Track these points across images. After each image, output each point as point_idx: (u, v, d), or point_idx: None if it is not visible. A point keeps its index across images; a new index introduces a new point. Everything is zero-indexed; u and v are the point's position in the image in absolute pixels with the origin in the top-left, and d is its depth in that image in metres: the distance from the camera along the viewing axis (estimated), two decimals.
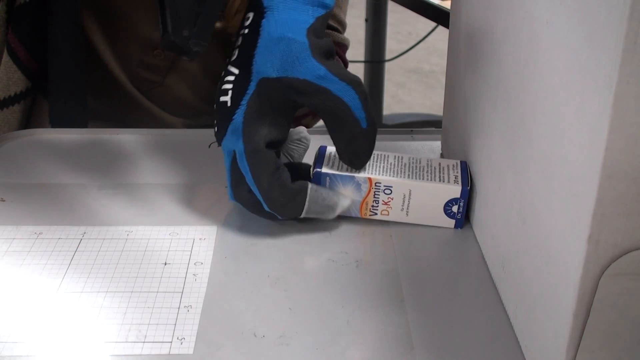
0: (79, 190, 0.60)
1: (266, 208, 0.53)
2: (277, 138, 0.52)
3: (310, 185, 0.53)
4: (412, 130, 0.71)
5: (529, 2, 0.40)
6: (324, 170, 0.54)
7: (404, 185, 0.54)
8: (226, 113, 0.51)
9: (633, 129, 0.30)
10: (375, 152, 0.56)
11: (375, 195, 0.54)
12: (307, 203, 0.52)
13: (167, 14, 0.50)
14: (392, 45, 2.30)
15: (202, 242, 0.54)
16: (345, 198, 0.54)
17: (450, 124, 0.63)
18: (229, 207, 0.58)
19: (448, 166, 0.56)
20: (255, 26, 0.50)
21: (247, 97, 0.50)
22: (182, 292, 0.48)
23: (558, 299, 0.37)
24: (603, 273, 0.33)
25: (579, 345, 0.35)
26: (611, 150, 0.30)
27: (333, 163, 0.55)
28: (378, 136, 0.70)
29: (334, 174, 0.54)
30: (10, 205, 0.58)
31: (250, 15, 0.51)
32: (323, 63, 0.49)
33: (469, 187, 0.54)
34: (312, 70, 0.49)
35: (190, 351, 0.43)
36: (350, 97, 0.50)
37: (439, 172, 0.55)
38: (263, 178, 0.51)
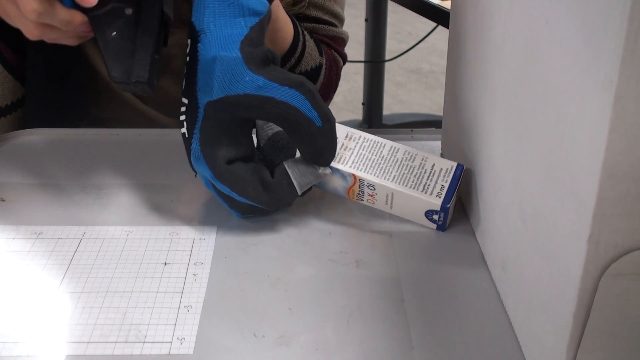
0: (79, 190, 0.60)
1: (268, 209, 0.53)
2: (238, 155, 0.52)
3: (286, 165, 0.53)
4: (412, 130, 0.71)
5: (529, 2, 0.40)
6: None
7: (386, 188, 0.54)
8: (187, 144, 0.52)
9: (633, 129, 0.30)
10: (374, 138, 0.56)
11: (360, 187, 0.55)
12: (294, 182, 0.53)
13: (103, 58, 0.51)
14: (392, 45, 2.30)
15: (202, 242, 0.54)
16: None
17: (450, 124, 0.63)
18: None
19: (441, 170, 0.54)
20: (193, 52, 0.50)
21: (198, 125, 0.50)
22: (182, 292, 0.48)
23: (558, 299, 0.37)
24: (603, 273, 0.33)
25: (579, 345, 0.35)
26: (611, 151, 0.30)
27: None
28: (378, 136, 0.70)
29: None
30: (10, 205, 0.58)
31: (189, 42, 0.51)
32: (260, 72, 0.49)
33: (449, 205, 0.53)
34: (251, 82, 0.49)
35: (190, 351, 0.43)
36: (296, 100, 0.49)
37: (428, 177, 0.54)
38: (246, 190, 0.52)
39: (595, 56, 0.31)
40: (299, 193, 0.53)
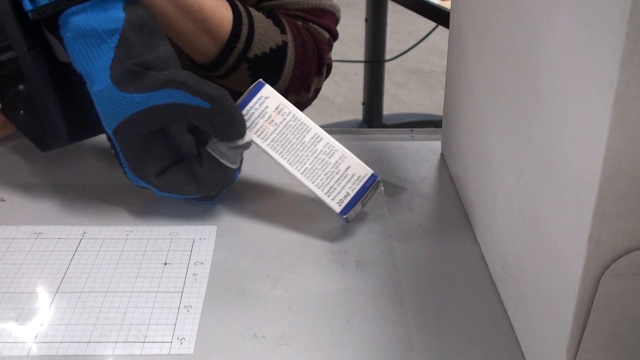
0: (79, 190, 0.60)
1: (220, 193, 0.56)
2: (166, 164, 0.54)
3: (209, 149, 0.53)
4: (412, 130, 0.71)
5: (529, 2, 0.40)
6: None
7: (295, 177, 0.54)
8: (125, 174, 0.55)
9: (633, 129, 0.30)
10: (303, 118, 0.55)
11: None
12: (223, 161, 0.53)
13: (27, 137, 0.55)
14: (392, 45, 2.30)
15: (202, 242, 0.54)
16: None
17: (450, 124, 0.63)
18: (229, 207, 0.58)
19: (353, 176, 0.54)
20: (88, 93, 0.52)
21: (120, 155, 0.53)
22: (182, 292, 0.48)
23: (558, 299, 0.37)
24: (603, 273, 0.33)
25: (579, 345, 0.35)
26: (611, 151, 0.30)
27: (252, 113, 0.55)
28: (378, 136, 0.71)
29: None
30: (10, 205, 0.58)
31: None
32: (133, 89, 0.50)
33: (346, 215, 0.53)
34: (129, 103, 0.50)
35: (190, 351, 0.43)
36: (175, 96, 0.50)
37: (337, 180, 0.54)
38: (186, 190, 0.54)
39: (596, 56, 0.31)
40: (235, 167, 0.54)
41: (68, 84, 0.55)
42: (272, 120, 0.54)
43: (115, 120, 0.51)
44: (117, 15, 0.51)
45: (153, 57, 0.52)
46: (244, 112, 0.54)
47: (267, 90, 0.55)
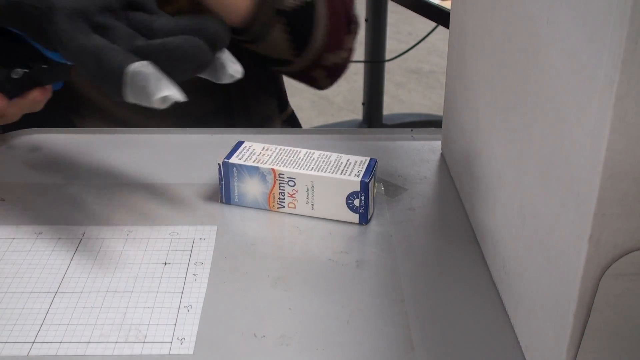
0: (79, 190, 0.60)
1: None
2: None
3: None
4: (412, 130, 0.71)
5: (530, 2, 0.40)
6: (232, 160, 0.56)
7: (306, 177, 0.55)
8: None
9: (634, 130, 0.30)
10: (288, 147, 0.58)
11: (281, 188, 0.56)
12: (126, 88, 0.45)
13: None
14: (392, 45, 2.30)
15: (202, 242, 0.54)
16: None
17: (450, 124, 0.63)
18: (229, 207, 0.58)
19: (356, 162, 0.56)
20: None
21: None
22: (182, 292, 0.48)
23: (558, 299, 0.37)
24: (604, 273, 0.33)
25: (579, 345, 0.35)
26: (612, 151, 0.30)
27: (242, 156, 0.57)
28: (378, 136, 0.70)
29: (240, 165, 0.56)
30: (10, 205, 0.58)
31: None
32: None
33: (369, 180, 0.54)
34: None
35: (190, 351, 0.43)
36: None
37: (344, 166, 0.56)
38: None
39: (596, 56, 0.31)
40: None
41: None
42: (264, 154, 0.57)
43: None
44: None
45: None
46: (231, 160, 0.56)
47: (249, 143, 0.59)
